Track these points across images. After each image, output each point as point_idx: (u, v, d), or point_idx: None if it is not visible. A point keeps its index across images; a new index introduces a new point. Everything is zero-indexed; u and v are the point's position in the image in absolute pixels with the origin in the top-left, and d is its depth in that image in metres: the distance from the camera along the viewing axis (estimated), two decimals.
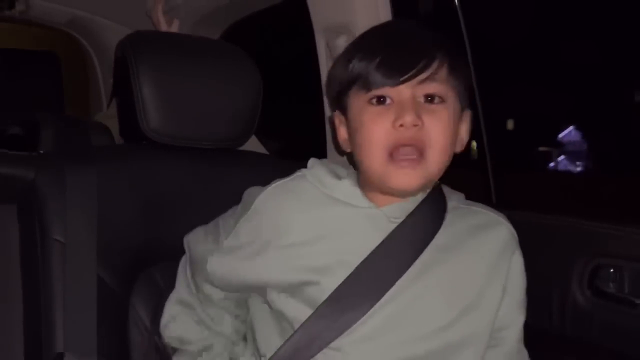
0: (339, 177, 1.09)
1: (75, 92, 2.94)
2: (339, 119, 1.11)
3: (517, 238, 1.12)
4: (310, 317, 1.01)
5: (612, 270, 1.24)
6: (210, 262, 1.12)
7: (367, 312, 1.01)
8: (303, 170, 1.11)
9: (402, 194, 1.05)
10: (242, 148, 1.39)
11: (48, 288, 1.15)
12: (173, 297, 1.19)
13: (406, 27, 1.11)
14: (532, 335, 1.34)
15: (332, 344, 1.01)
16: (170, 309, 1.18)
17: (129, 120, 1.28)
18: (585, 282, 1.26)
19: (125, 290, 1.21)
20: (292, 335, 1.02)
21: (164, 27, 2.08)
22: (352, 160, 1.10)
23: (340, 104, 1.09)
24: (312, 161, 1.12)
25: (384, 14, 1.59)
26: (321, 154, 1.63)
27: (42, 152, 1.30)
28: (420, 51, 1.01)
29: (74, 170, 1.20)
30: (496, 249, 1.09)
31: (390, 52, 1.01)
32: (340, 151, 1.15)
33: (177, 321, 1.17)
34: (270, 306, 1.09)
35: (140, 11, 2.22)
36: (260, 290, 1.09)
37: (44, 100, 2.66)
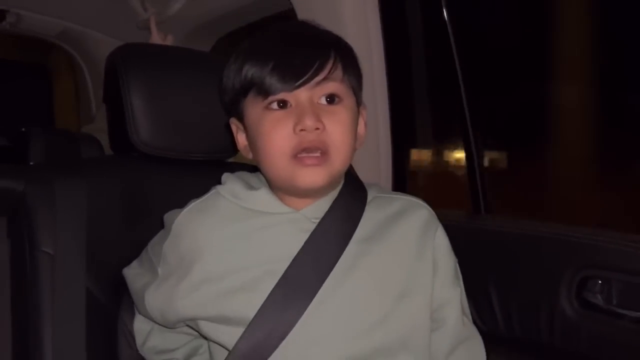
0: (254, 188, 1.08)
1: (66, 104, 2.94)
2: (236, 125, 1.10)
3: (436, 217, 1.13)
4: (244, 332, 1.00)
5: (600, 282, 1.24)
6: (146, 298, 1.10)
7: (301, 315, 1.00)
8: (217, 186, 1.10)
9: (311, 193, 1.05)
10: (232, 160, 1.40)
11: (36, 300, 1.15)
12: (138, 318, 1.18)
13: (297, 28, 1.10)
14: (521, 347, 1.35)
15: (275, 352, 0.99)
16: (140, 328, 1.18)
17: (119, 132, 1.28)
18: (573, 294, 1.26)
19: (114, 302, 1.21)
20: (233, 348, 1.01)
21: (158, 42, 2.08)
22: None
23: (236, 111, 1.08)
24: (225, 176, 1.11)
25: (374, 28, 1.60)
26: None
27: (31, 164, 1.29)
28: (314, 52, 1.00)
29: (64, 183, 1.20)
30: (418, 229, 1.09)
31: (283, 55, 1.00)
32: (244, 156, 1.13)
33: (153, 334, 1.17)
34: (206, 337, 1.07)
35: (130, 24, 2.22)
36: (192, 323, 1.07)
37: (34, 112, 2.66)
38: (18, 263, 1.20)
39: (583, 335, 1.25)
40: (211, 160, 1.36)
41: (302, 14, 1.65)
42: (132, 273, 1.17)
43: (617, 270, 1.22)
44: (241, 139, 1.10)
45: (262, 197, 1.07)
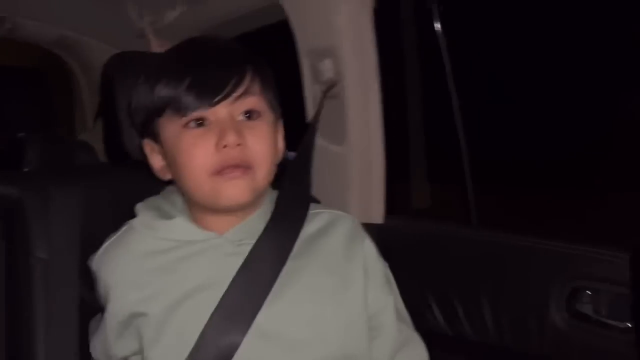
0: (169, 216, 1.06)
1: (61, 111, 2.94)
2: (149, 146, 1.08)
3: (362, 227, 1.14)
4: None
5: (589, 292, 1.25)
6: (92, 347, 1.10)
7: (241, 341, 0.98)
8: (131, 221, 1.08)
9: (234, 210, 1.03)
10: None
11: (30, 305, 1.15)
12: None
13: (210, 44, 1.07)
14: (512, 357, 1.36)
15: None
16: None
17: (114, 139, 1.29)
18: (563, 304, 1.27)
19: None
20: None
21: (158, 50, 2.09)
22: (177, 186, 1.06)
23: (150, 132, 1.06)
24: (137, 207, 1.09)
25: (368, 37, 1.61)
26: None
27: (26, 170, 1.30)
28: (230, 67, 1.00)
29: (59, 189, 1.20)
30: (344, 239, 1.10)
31: (199, 72, 0.98)
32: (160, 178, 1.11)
33: None
34: None
35: (127, 32, 2.23)
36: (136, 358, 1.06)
37: (29, 119, 2.66)
38: (12, 268, 1.20)
39: (574, 346, 1.26)
40: None
41: (296, 24, 1.66)
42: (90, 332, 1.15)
43: (606, 281, 1.23)
44: (156, 160, 1.08)
45: (179, 225, 1.05)
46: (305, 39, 1.61)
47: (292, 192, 1.13)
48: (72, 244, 1.18)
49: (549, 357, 1.30)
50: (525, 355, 1.32)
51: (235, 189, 0.99)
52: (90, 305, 1.18)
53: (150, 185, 1.30)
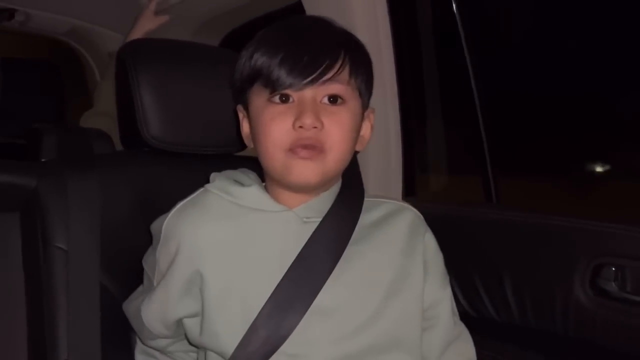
0: (244, 185, 1.08)
1: (76, 101, 2.95)
2: (242, 113, 1.10)
3: (424, 220, 1.14)
4: (242, 339, 1.00)
5: (613, 269, 1.24)
6: (144, 312, 1.10)
7: (299, 321, 1.00)
8: (206, 185, 1.10)
9: (303, 189, 1.05)
10: (243, 153, 1.40)
11: (51, 296, 1.16)
12: (138, 347, 1.20)
13: (310, 23, 1.10)
14: (535, 336, 1.35)
15: (279, 350, 1.00)
16: (137, 358, 1.20)
17: (130, 127, 1.28)
18: (587, 282, 1.26)
19: (128, 297, 1.22)
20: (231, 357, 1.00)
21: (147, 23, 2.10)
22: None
23: (242, 99, 1.09)
24: (213, 175, 1.11)
25: (383, 22, 1.60)
26: None
27: (43, 160, 1.30)
28: (324, 50, 1.00)
29: (76, 178, 1.20)
30: (405, 230, 1.10)
31: (292, 50, 0.99)
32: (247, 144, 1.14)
33: None
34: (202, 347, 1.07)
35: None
36: (192, 323, 1.07)
37: (45, 110, 2.67)
38: (32, 259, 1.20)
39: (598, 323, 1.25)
40: (222, 153, 1.36)
41: (309, 8, 1.64)
42: (128, 302, 1.17)
43: (630, 257, 1.22)
44: (245, 126, 1.10)
45: (253, 194, 1.06)
46: None
47: (351, 177, 1.13)
48: (91, 232, 1.18)
49: (574, 336, 1.29)
50: (550, 334, 1.31)
51: (304, 169, 1.00)
52: (110, 292, 1.19)
53: (167, 171, 1.30)
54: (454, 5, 1.65)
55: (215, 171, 1.12)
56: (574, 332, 1.28)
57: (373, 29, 1.57)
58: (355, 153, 1.11)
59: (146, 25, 2.11)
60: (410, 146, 1.72)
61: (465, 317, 1.20)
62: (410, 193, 1.72)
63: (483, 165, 1.59)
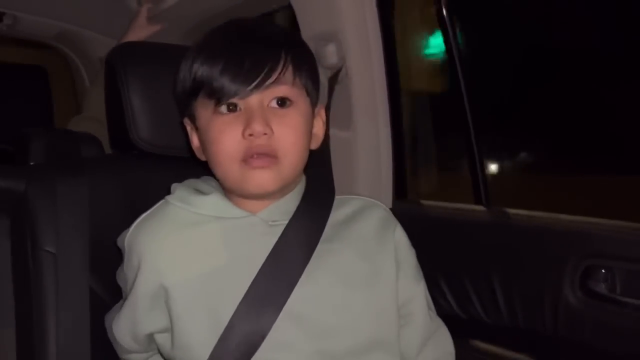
0: (204, 194, 1.06)
1: (64, 105, 2.94)
2: (189, 126, 1.09)
3: (393, 216, 1.13)
4: (215, 346, 0.98)
5: (603, 270, 1.24)
6: (114, 328, 1.08)
7: (272, 324, 0.98)
8: (166, 196, 1.08)
9: (263, 196, 1.03)
10: None
11: (40, 299, 1.15)
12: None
13: (249, 26, 1.06)
14: (525, 337, 1.35)
15: (255, 356, 0.98)
16: None
17: (119, 130, 1.28)
18: (577, 283, 1.26)
19: (117, 301, 1.21)
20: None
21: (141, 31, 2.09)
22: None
23: (188, 111, 1.07)
24: (174, 185, 1.10)
25: (372, 22, 1.60)
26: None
27: (32, 164, 1.29)
28: (264, 53, 0.99)
29: (65, 182, 1.20)
30: (376, 226, 1.09)
31: (233, 56, 0.98)
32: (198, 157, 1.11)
33: None
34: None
35: (127, 23, 2.22)
36: (162, 338, 1.05)
37: (33, 114, 2.66)
38: (21, 263, 1.20)
39: (587, 324, 1.25)
40: None
41: (298, 9, 1.64)
42: (108, 318, 1.14)
43: (619, 258, 1.22)
44: (195, 140, 1.08)
45: (214, 202, 1.05)
46: (308, 24, 1.60)
47: (318, 176, 1.13)
48: (80, 236, 1.17)
49: (563, 337, 1.29)
50: (539, 335, 1.32)
51: (261, 179, 0.99)
52: (100, 296, 1.18)
53: (156, 174, 1.30)
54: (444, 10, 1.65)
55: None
56: (563, 332, 1.29)
57: (362, 29, 1.57)
58: (328, 151, 1.10)
59: (139, 34, 2.10)
60: (400, 149, 1.72)
61: (454, 318, 1.20)
62: (401, 196, 1.72)
63: (472, 165, 1.59)
